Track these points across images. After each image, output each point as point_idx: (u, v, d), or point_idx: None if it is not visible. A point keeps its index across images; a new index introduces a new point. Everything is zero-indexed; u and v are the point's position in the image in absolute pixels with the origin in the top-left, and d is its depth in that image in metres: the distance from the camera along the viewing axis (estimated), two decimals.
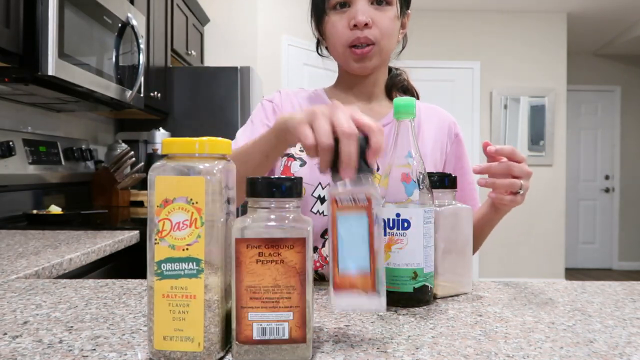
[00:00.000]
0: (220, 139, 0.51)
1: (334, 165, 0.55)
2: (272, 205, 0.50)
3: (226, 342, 0.50)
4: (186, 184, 0.48)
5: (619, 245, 6.12)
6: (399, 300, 0.67)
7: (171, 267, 0.48)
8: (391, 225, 0.66)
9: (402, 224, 0.66)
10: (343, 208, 0.52)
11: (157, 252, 0.48)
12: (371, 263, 0.52)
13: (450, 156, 1.08)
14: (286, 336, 0.48)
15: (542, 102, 5.07)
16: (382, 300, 0.52)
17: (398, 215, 0.66)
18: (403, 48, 1.10)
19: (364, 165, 0.54)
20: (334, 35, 0.98)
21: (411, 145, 0.68)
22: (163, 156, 0.51)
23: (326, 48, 1.08)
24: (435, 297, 0.72)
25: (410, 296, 0.67)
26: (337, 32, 0.96)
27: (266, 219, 0.49)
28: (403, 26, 1.04)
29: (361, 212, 0.52)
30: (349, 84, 1.06)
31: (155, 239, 0.48)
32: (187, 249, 0.48)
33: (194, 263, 0.48)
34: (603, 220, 6.14)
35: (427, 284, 0.68)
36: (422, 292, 0.67)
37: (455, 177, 0.76)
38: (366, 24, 0.93)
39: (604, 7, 4.77)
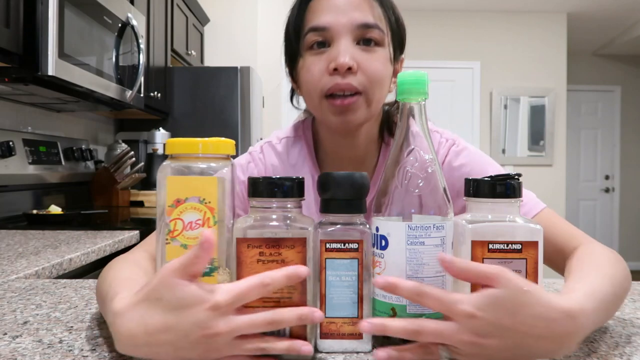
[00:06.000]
0: (223, 139, 0.51)
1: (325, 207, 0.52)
2: (274, 205, 0.50)
3: None
4: (199, 184, 0.49)
5: (619, 245, 6.12)
6: (380, 343, 0.51)
7: None
8: (373, 242, 0.52)
9: (380, 242, 0.51)
10: (332, 251, 0.50)
11: (168, 252, 0.48)
12: (359, 309, 0.51)
13: (458, 190, 0.83)
14: (287, 335, 0.49)
15: (542, 102, 5.07)
16: (368, 342, 0.51)
17: (377, 229, 0.52)
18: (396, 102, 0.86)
19: (357, 206, 0.52)
20: (309, 82, 0.76)
21: (423, 138, 0.53)
22: (163, 156, 0.51)
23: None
24: None
25: (388, 340, 0.50)
26: (313, 77, 0.74)
27: (267, 219, 0.50)
28: (395, 74, 0.81)
29: (351, 256, 0.50)
30: (333, 145, 0.84)
31: (167, 239, 0.48)
32: None
33: None
34: (603, 220, 6.14)
35: None
36: (404, 340, 0.48)
37: (515, 183, 0.52)
38: (350, 68, 0.72)
39: (604, 7, 4.77)
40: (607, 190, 6.12)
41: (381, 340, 0.51)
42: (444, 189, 0.52)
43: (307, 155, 0.86)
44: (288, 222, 0.50)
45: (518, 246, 0.50)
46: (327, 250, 0.50)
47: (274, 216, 0.50)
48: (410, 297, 0.46)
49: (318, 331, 0.51)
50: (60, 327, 0.58)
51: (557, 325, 0.44)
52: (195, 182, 0.49)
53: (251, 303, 0.46)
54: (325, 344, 0.51)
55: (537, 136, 5.09)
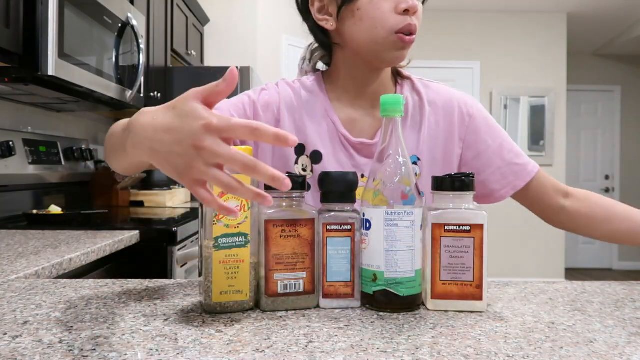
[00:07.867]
0: (244, 147, 0.65)
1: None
2: (285, 195, 0.65)
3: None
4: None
5: (619, 245, 6.12)
6: (366, 301, 0.66)
7: (226, 240, 0.63)
8: (362, 224, 0.66)
9: (365, 224, 0.65)
10: (332, 232, 0.66)
11: (215, 230, 0.62)
12: (352, 275, 0.66)
13: (468, 143, 0.96)
14: (301, 289, 0.65)
15: (542, 102, 5.08)
16: (358, 300, 0.67)
17: (364, 215, 0.66)
18: None
19: (351, 197, 0.68)
20: (377, 17, 0.84)
21: (399, 145, 0.67)
22: None
23: (324, 37, 0.93)
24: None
25: (371, 299, 0.66)
26: (384, 14, 0.84)
27: (286, 206, 0.65)
28: None
29: (346, 235, 0.66)
30: (362, 80, 0.94)
31: (214, 221, 0.62)
32: (238, 227, 0.63)
33: (243, 237, 0.63)
34: None
35: (388, 289, 0.64)
36: (383, 297, 0.64)
37: (468, 180, 0.66)
38: (415, 12, 0.85)
39: (604, 7, 4.77)
40: (607, 190, 6.12)
41: (367, 300, 0.66)
42: (415, 184, 0.66)
43: (320, 93, 0.98)
44: (302, 207, 0.66)
45: (467, 228, 0.64)
46: (327, 230, 0.66)
47: (289, 204, 0.65)
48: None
49: (321, 293, 0.66)
50: (60, 327, 0.58)
51: None
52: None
53: (276, 267, 0.64)
54: (326, 302, 0.66)
55: (537, 136, 5.09)
